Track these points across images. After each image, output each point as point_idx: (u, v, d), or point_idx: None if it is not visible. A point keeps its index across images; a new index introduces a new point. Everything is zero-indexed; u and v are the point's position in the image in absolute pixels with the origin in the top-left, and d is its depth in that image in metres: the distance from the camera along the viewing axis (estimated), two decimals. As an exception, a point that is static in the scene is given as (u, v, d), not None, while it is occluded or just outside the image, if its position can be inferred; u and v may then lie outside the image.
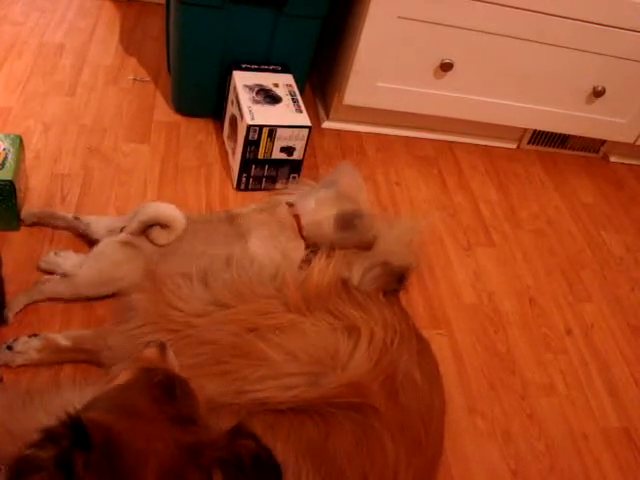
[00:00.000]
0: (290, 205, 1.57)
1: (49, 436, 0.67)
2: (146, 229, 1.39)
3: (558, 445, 1.41)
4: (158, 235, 1.38)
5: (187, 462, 0.70)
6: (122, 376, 0.83)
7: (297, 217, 1.54)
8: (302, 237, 1.52)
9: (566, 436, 1.44)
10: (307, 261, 1.41)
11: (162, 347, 0.91)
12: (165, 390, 0.79)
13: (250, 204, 1.62)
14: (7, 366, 1.25)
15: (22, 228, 1.51)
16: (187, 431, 0.74)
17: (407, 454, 1.02)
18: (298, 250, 1.49)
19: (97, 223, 1.47)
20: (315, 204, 1.54)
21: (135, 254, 1.37)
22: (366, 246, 1.51)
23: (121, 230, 1.41)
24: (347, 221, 1.50)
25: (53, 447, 0.66)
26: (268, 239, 1.47)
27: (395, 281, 1.47)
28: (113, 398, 0.78)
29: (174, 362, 0.92)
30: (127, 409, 0.74)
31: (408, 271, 1.54)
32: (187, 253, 1.37)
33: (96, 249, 1.39)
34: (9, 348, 1.25)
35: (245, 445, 0.72)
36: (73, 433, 0.67)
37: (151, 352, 0.90)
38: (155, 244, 1.38)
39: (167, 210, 1.40)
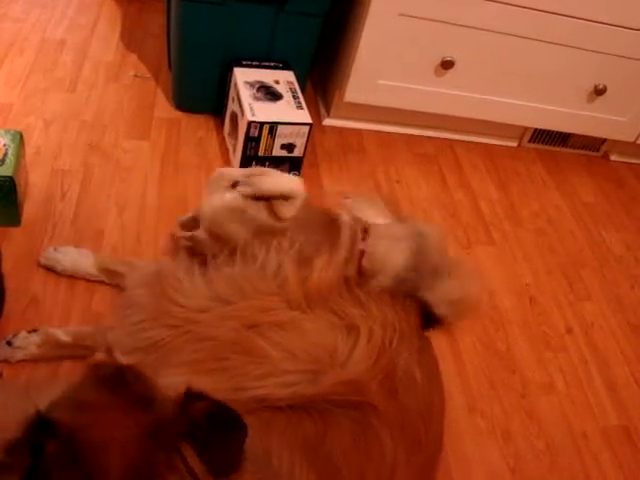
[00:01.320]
0: (364, 231, 1.29)
1: (15, 444, 0.67)
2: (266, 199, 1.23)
3: (558, 444, 1.41)
4: (283, 208, 1.23)
5: (151, 445, 0.69)
6: (76, 379, 0.83)
7: (362, 252, 1.26)
8: (359, 265, 1.25)
9: (566, 435, 1.44)
10: None
11: (108, 351, 0.92)
12: (114, 378, 0.79)
13: None
14: (6, 361, 1.25)
15: (22, 224, 1.51)
16: (144, 414, 0.73)
17: (406, 452, 1.02)
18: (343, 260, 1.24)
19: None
20: (388, 250, 1.27)
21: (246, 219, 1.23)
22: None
23: (233, 185, 1.25)
24: (405, 284, 1.25)
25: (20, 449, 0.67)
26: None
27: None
28: (67, 398, 0.77)
29: (122, 359, 0.93)
30: (81, 405, 0.74)
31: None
32: (271, 252, 1.24)
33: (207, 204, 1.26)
34: (9, 343, 1.25)
35: (197, 408, 0.71)
36: (39, 427, 0.68)
37: (99, 355, 0.90)
38: (278, 217, 1.23)
39: (291, 183, 1.25)
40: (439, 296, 1.31)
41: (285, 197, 1.24)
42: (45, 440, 0.66)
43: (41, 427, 0.68)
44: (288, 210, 1.25)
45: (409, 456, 1.02)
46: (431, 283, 1.28)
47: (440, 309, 1.33)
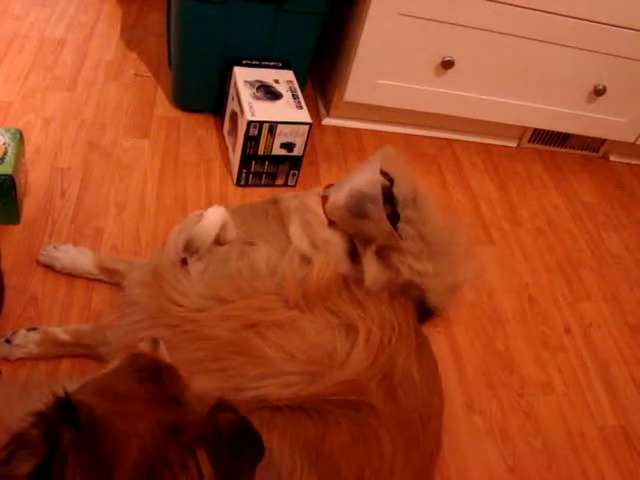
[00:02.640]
0: (328, 186, 1.46)
1: (40, 415, 0.68)
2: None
3: (555, 443, 1.42)
4: (224, 238, 1.35)
5: (169, 442, 0.71)
6: (111, 364, 0.84)
7: (324, 199, 1.42)
8: (329, 222, 1.39)
9: (563, 434, 1.44)
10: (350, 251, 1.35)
11: (155, 342, 0.92)
12: (150, 373, 0.80)
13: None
14: (6, 359, 1.25)
15: (22, 222, 1.51)
16: (170, 411, 0.75)
17: (404, 451, 1.03)
18: (329, 238, 1.36)
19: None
20: (339, 187, 1.40)
21: (230, 271, 1.30)
22: (386, 239, 1.32)
23: (183, 262, 1.33)
24: (358, 204, 1.33)
25: (42, 424, 0.67)
26: (301, 227, 1.40)
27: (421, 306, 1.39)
28: (99, 382, 0.79)
29: (166, 355, 0.93)
30: (111, 392, 0.76)
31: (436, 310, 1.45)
32: (269, 252, 1.33)
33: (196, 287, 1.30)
34: (8, 342, 1.26)
35: (224, 418, 0.72)
36: (62, 410, 0.68)
37: (144, 345, 0.91)
38: (223, 244, 1.35)
39: (219, 214, 1.36)
40: (434, 284, 1.35)
41: (222, 228, 1.35)
42: (62, 428, 0.67)
43: (62, 410, 0.69)
44: (229, 234, 1.36)
45: (408, 455, 1.03)
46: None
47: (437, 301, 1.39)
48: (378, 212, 1.31)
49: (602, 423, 1.48)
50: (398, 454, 1.01)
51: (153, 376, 0.80)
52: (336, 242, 1.37)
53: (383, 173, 1.39)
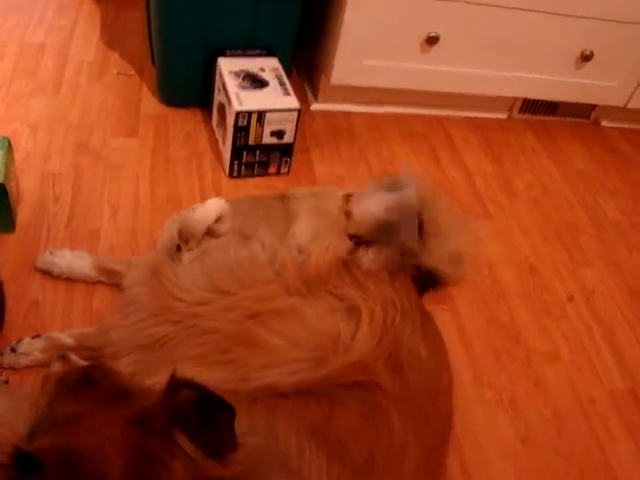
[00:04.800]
0: (348, 197, 1.46)
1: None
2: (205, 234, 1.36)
3: (565, 410, 1.42)
4: (219, 229, 1.36)
5: (145, 434, 0.70)
6: (42, 400, 0.82)
7: (348, 214, 1.42)
8: (348, 235, 1.38)
9: (573, 401, 1.44)
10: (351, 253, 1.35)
11: (64, 358, 0.92)
12: (83, 383, 0.78)
13: (304, 188, 1.58)
14: (12, 368, 1.25)
15: (17, 230, 1.50)
16: (127, 405, 0.73)
17: (415, 429, 1.03)
18: (340, 244, 1.36)
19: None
20: (371, 204, 1.42)
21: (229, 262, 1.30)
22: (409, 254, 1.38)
23: (178, 249, 1.36)
24: (390, 232, 1.38)
25: None
26: (310, 228, 1.38)
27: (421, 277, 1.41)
28: (44, 421, 0.77)
29: (81, 362, 0.92)
30: (60, 421, 0.74)
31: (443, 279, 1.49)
32: (268, 236, 1.34)
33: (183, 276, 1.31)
34: (13, 350, 1.25)
35: (183, 396, 0.71)
36: (20, 465, 0.67)
37: (56, 367, 0.90)
38: (218, 237, 1.35)
39: (217, 205, 1.37)
40: (437, 254, 1.36)
41: (219, 219, 1.36)
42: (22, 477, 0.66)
43: (21, 464, 0.67)
44: (224, 226, 1.36)
45: (418, 433, 1.03)
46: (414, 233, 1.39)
47: (440, 266, 1.42)
48: (412, 241, 1.38)
49: (611, 387, 1.49)
50: (408, 432, 1.01)
51: (88, 384, 0.78)
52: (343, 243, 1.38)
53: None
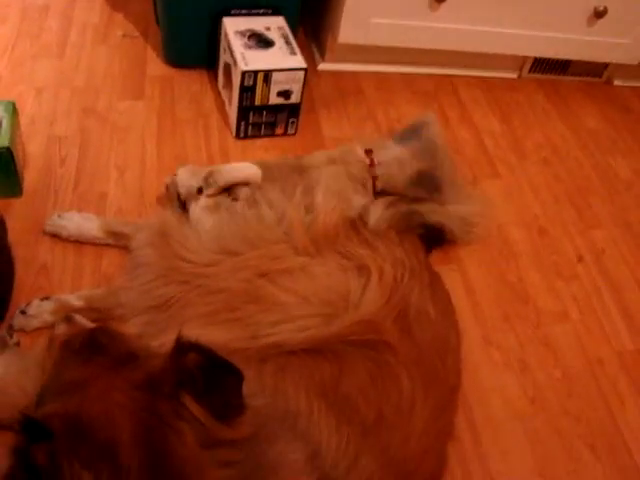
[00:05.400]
0: (367, 151, 1.47)
1: (14, 451, 0.67)
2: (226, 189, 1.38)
3: (574, 371, 1.42)
4: (240, 192, 1.37)
5: (152, 397, 0.70)
6: (48, 363, 0.82)
7: (372, 167, 1.44)
8: (373, 189, 1.42)
9: (582, 362, 1.44)
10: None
11: (69, 319, 0.91)
12: (89, 347, 0.78)
13: (320, 152, 1.56)
14: (22, 330, 1.26)
15: (24, 194, 1.50)
16: (134, 369, 0.73)
17: (423, 388, 1.03)
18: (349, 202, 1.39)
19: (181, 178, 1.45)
20: (395, 156, 1.46)
21: (225, 214, 1.34)
22: (435, 201, 1.46)
23: (198, 191, 1.39)
24: (427, 180, 1.44)
25: (18, 458, 0.66)
26: (336, 192, 1.38)
27: (428, 234, 1.42)
28: (52, 386, 0.77)
29: (86, 323, 0.92)
30: (68, 386, 0.74)
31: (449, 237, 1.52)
32: (275, 201, 1.34)
33: (192, 219, 1.37)
34: (22, 313, 1.26)
35: (190, 359, 0.71)
36: (29, 432, 0.67)
37: (61, 329, 0.90)
38: (235, 200, 1.37)
39: (250, 170, 1.39)
40: (451, 212, 1.37)
41: (245, 183, 1.37)
42: (33, 449, 0.66)
43: (30, 432, 0.67)
44: (245, 193, 1.37)
45: (427, 390, 1.03)
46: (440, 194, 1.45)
47: (452, 224, 1.47)
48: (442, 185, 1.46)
49: (620, 349, 1.48)
50: (417, 390, 1.01)
51: (94, 348, 0.78)
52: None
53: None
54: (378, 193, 1.41)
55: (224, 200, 1.34)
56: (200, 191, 1.39)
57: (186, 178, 1.42)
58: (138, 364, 0.74)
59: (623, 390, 1.41)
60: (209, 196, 1.38)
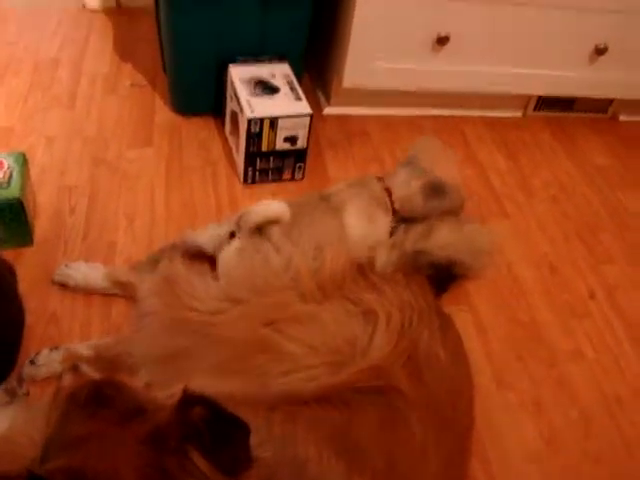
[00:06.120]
0: (379, 179, 1.58)
1: None
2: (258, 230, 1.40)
3: (591, 410, 1.39)
4: (272, 231, 1.38)
5: (158, 452, 0.69)
6: (54, 415, 0.82)
7: (388, 191, 1.55)
8: (393, 211, 1.53)
9: (599, 400, 1.41)
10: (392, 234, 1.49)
11: (74, 369, 0.91)
12: (95, 400, 0.77)
13: (338, 183, 1.61)
14: (32, 380, 1.26)
15: (35, 243, 1.52)
16: (140, 423, 0.72)
17: (435, 432, 1.01)
18: (386, 223, 1.52)
19: (201, 236, 1.48)
20: (404, 178, 1.56)
21: (256, 256, 1.35)
22: (457, 211, 1.57)
23: (231, 236, 1.41)
24: (436, 189, 1.53)
25: None
26: (363, 209, 1.49)
27: (436, 274, 1.44)
28: (57, 440, 0.76)
29: (93, 373, 0.91)
30: (74, 441, 0.73)
31: (460, 271, 1.54)
32: (282, 246, 1.36)
33: (221, 264, 1.38)
34: (32, 362, 1.27)
35: (196, 414, 0.70)
36: None
37: (67, 380, 0.89)
38: (270, 239, 1.38)
39: (274, 208, 1.41)
40: (456, 245, 1.40)
41: (275, 221, 1.39)
42: None
43: None
44: (276, 231, 1.38)
45: (439, 435, 1.01)
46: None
47: (459, 256, 1.48)
48: (453, 189, 1.55)
49: (637, 385, 1.46)
50: (429, 435, 1.00)
51: (100, 401, 0.77)
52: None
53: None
54: (396, 214, 1.53)
55: (259, 242, 1.36)
56: (233, 235, 1.40)
57: (210, 234, 1.45)
58: (144, 418, 0.74)
59: (643, 428, 1.38)
60: (241, 238, 1.38)
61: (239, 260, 1.32)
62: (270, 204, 1.42)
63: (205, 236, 1.46)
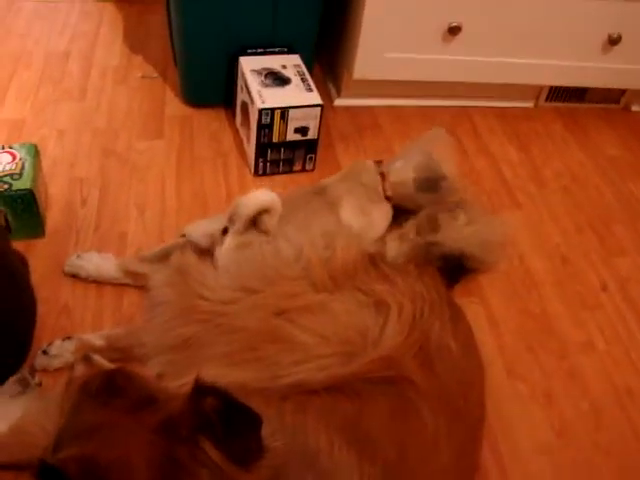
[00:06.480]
0: (377, 162, 1.57)
1: None
2: (253, 222, 1.38)
3: (602, 402, 1.39)
4: (266, 223, 1.37)
5: (170, 442, 0.69)
6: (66, 405, 0.82)
7: (383, 175, 1.53)
8: (386, 197, 1.52)
9: (610, 393, 1.41)
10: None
11: (87, 359, 0.91)
12: (107, 390, 0.78)
13: (331, 175, 1.60)
14: (44, 370, 1.26)
15: (46, 235, 1.52)
16: (152, 412, 0.72)
17: (447, 423, 1.01)
18: (383, 213, 1.51)
19: (195, 232, 1.45)
20: (402, 165, 1.54)
21: (252, 251, 1.34)
22: (451, 207, 1.53)
23: (224, 232, 1.38)
24: (430, 183, 1.51)
25: None
26: (357, 205, 1.47)
27: (447, 266, 1.43)
28: (69, 429, 0.76)
29: (104, 363, 0.91)
30: (86, 431, 0.73)
31: (472, 265, 1.52)
32: (293, 232, 1.36)
33: (220, 263, 1.36)
34: (45, 353, 1.27)
35: (208, 404, 0.70)
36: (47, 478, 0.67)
37: (79, 370, 0.89)
38: (265, 232, 1.37)
39: (265, 196, 1.39)
40: (469, 238, 1.38)
41: (266, 211, 1.36)
42: None
43: (48, 478, 0.67)
44: (271, 222, 1.36)
45: (450, 426, 1.01)
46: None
47: (472, 250, 1.46)
48: (448, 187, 1.52)
49: (649, 378, 1.45)
50: (440, 426, 1.00)
51: (112, 391, 0.77)
52: (386, 212, 1.53)
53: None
54: (390, 200, 1.52)
55: (254, 236, 1.34)
56: (225, 231, 1.38)
57: (202, 229, 1.42)
58: (156, 407, 0.74)
59: (654, 422, 1.37)
60: (237, 233, 1.37)
61: (240, 255, 1.32)
62: (258, 194, 1.40)
63: (198, 232, 1.43)
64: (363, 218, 1.47)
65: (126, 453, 0.69)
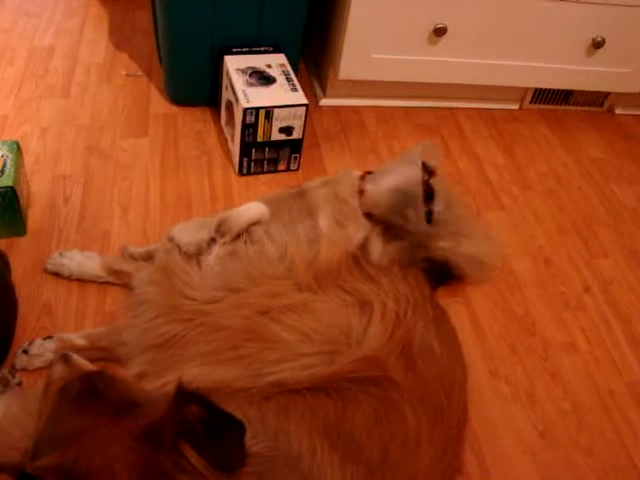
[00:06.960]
0: (364, 175, 1.50)
1: None
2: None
3: (584, 403, 1.39)
4: (257, 233, 1.36)
5: (152, 449, 0.68)
6: (44, 407, 0.80)
7: (361, 192, 1.46)
8: (363, 213, 1.44)
9: (592, 394, 1.42)
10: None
11: (65, 359, 0.89)
12: (87, 394, 0.76)
13: (315, 178, 1.57)
14: (25, 370, 1.25)
15: (28, 233, 1.51)
16: (134, 418, 0.71)
17: (429, 423, 1.01)
18: (359, 228, 1.42)
19: (180, 239, 1.40)
20: (378, 186, 1.45)
21: (239, 260, 1.32)
22: (419, 241, 1.42)
23: (212, 241, 1.37)
24: (400, 206, 1.40)
25: None
26: (332, 218, 1.43)
27: (432, 268, 1.42)
28: (49, 435, 0.75)
29: (83, 364, 0.90)
30: (66, 437, 0.72)
31: (456, 273, 1.51)
32: (278, 232, 1.35)
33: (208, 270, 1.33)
34: (25, 352, 1.26)
35: (190, 412, 0.69)
36: None
37: (57, 371, 0.88)
38: (255, 242, 1.35)
39: (254, 211, 1.39)
40: (460, 252, 1.36)
41: (257, 223, 1.36)
42: None
43: None
44: (258, 233, 1.35)
45: (433, 427, 1.01)
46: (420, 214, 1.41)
47: (460, 263, 1.45)
48: (418, 217, 1.39)
49: (630, 379, 1.46)
50: (423, 426, 1.00)
51: (92, 395, 0.76)
52: (360, 226, 1.43)
53: (424, 164, 1.44)
54: (368, 215, 1.43)
55: (242, 245, 1.33)
56: (213, 241, 1.37)
57: (189, 235, 1.39)
58: (137, 413, 0.73)
59: (635, 422, 1.38)
60: (225, 244, 1.36)
61: (227, 262, 1.31)
62: (248, 208, 1.39)
63: (185, 239, 1.39)
64: (339, 230, 1.41)
65: (107, 461, 0.67)
